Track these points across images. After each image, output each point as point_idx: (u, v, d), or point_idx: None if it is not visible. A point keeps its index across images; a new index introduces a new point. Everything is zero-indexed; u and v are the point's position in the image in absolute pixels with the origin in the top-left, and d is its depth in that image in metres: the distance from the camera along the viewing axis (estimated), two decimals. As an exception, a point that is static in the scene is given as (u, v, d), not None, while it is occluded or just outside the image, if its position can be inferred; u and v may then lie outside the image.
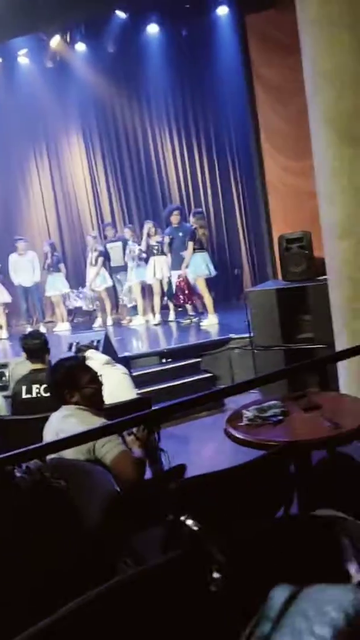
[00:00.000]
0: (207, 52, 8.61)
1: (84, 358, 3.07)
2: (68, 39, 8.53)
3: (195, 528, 1.10)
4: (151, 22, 8.23)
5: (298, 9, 3.97)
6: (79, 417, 2.55)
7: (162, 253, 8.25)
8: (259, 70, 5.94)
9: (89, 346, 4.52)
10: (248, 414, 2.50)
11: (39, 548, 1.76)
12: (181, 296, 7.86)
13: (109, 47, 8.47)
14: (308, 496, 2.21)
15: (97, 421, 2.52)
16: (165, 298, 8.39)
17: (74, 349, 6.37)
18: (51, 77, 9.39)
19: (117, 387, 3.86)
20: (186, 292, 7.78)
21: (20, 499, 1.83)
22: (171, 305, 8.39)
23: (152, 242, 8.33)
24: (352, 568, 1.03)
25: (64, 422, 2.57)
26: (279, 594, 0.72)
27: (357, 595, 0.66)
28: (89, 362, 4.16)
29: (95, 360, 4.18)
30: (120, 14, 7.78)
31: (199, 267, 7.62)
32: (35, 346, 4.05)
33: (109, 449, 2.41)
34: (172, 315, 8.39)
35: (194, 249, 7.58)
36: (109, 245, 9.06)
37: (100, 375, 2.87)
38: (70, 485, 1.92)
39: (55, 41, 8.48)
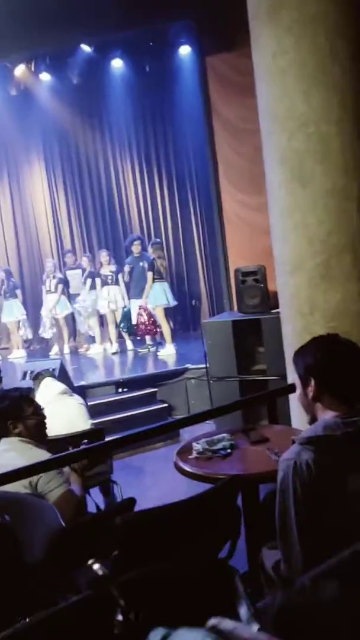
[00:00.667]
0: (169, 88, 8.85)
1: (29, 390, 3.04)
2: (33, 68, 8.62)
3: (100, 572, 1.15)
4: (116, 57, 8.42)
5: (253, 54, 4.14)
6: (20, 451, 2.51)
7: (116, 283, 8.29)
8: (217, 109, 6.13)
9: (46, 374, 4.44)
10: (197, 446, 2.52)
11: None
12: (143, 327, 7.86)
13: (73, 78, 8.61)
14: (255, 530, 2.23)
15: (40, 454, 2.49)
16: (121, 327, 8.38)
17: (28, 377, 6.29)
18: (15, 105, 9.44)
19: (72, 417, 3.82)
20: (148, 323, 7.79)
21: None
22: (125, 335, 8.39)
23: (105, 271, 8.37)
24: (241, 609, 1.10)
25: (3, 456, 2.51)
26: (154, 635, 0.85)
27: (208, 638, 0.78)
28: (44, 390, 4.12)
29: (52, 388, 4.14)
30: (85, 48, 7.93)
31: (158, 296, 7.68)
32: None
33: (52, 487, 2.39)
34: (129, 344, 8.38)
35: (154, 279, 7.65)
36: (68, 273, 9.05)
37: (48, 406, 2.85)
38: (14, 519, 1.89)
39: (20, 70, 8.55)
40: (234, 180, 6.10)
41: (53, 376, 4.44)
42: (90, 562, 1.15)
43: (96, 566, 1.15)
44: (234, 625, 0.82)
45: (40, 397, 3.97)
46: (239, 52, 5.54)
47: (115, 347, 8.37)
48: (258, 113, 4.37)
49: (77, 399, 4.15)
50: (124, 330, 8.34)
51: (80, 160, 9.99)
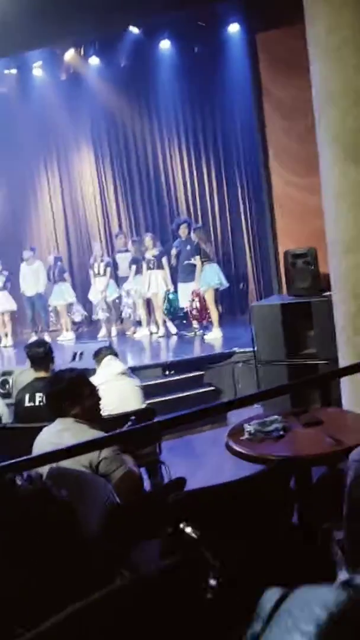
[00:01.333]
0: (218, 68, 8.71)
1: (86, 370, 3.08)
2: (82, 53, 8.67)
3: (194, 535, 1.11)
4: (164, 38, 8.34)
5: (308, 30, 4.04)
6: (74, 431, 2.54)
7: (158, 267, 8.27)
8: (268, 88, 6.01)
9: (108, 351, 4.44)
10: (249, 428, 2.51)
11: (38, 558, 1.77)
12: (195, 313, 7.85)
13: (121, 61, 8.60)
14: (308, 512, 2.22)
15: (94, 434, 2.52)
16: (164, 312, 8.38)
17: (77, 358, 6.43)
18: (64, 90, 9.52)
19: (127, 397, 3.88)
20: (200, 309, 7.78)
21: (21, 508, 1.84)
22: (167, 319, 8.39)
23: (149, 255, 8.37)
24: (341, 575, 1.05)
25: (58, 436, 2.55)
26: (270, 596, 0.75)
27: (340, 594, 0.68)
28: (104, 368, 4.19)
29: (112, 367, 4.20)
30: (134, 30, 7.89)
31: (210, 278, 7.66)
32: (39, 355, 4.08)
33: (114, 467, 2.43)
34: (172, 328, 8.38)
35: (202, 262, 7.62)
36: (117, 256, 9.11)
37: (106, 383, 2.90)
38: (71, 495, 1.94)
39: (70, 54, 8.62)
40: (285, 161, 5.98)
41: (115, 354, 4.44)
42: (181, 525, 1.15)
43: (188, 529, 1.14)
44: None
45: (99, 374, 4.05)
46: (291, 29, 5.38)
47: (162, 330, 8.41)
48: (311, 91, 4.27)
49: (135, 381, 4.20)
50: (167, 315, 8.34)
51: (128, 144, 10.00)
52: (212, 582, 1.03)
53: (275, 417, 2.58)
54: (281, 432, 2.46)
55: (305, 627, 0.66)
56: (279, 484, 1.92)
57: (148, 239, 8.47)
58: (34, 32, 6.54)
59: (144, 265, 8.44)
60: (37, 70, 9.21)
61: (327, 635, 0.65)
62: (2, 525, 1.72)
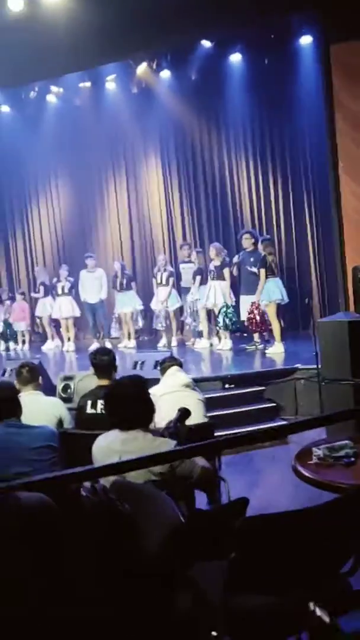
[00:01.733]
0: (288, 80, 8.64)
1: (146, 381, 3.07)
2: (154, 66, 8.83)
3: (327, 619, 1.02)
4: (235, 52, 8.37)
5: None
6: (142, 440, 2.57)
7: (219, 278, 8.17)
8: (341, 100, 5.89)
9: (174, 362, 4.42)
10: (318, 452, 2.42)
11: (98, 571, 1.75)
12: (254, 324, 7.75)
13: (192, 74, 8.70)
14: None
15: (161, 443, 2.54)
16: (219, 325, 8.27)
17: (139, 367, 6.45)
18: (135, 102, 9.73)
19: (191, 410, 3.83)
20: (259, 321, 7.68)
21: (84, 520, 1.83)
22: (225, 332, 8.27)
23: (211, 266, 8.34)
24: None
25: (123, 444, 2.58)
26: None
27: None
28: (169, 378, 4.17)
29: (177, 378, 4.17)
30: (206, 43, 7.96)
31: (272, 292, 7.54)
32: (104, 362, 4.09)
33: (191, 467, 2.58)
34: (227, 343, 8.23)
35: (267, 275, 7.52)
36: (182, 266, 9.12)
37: (171, 395, 2.90)
38: (134, 509, 1.92)
39: (142, 68, 8.81)
40: (355, 175, 5.84)
41: (180, 365, 4.42)
42: (311, 605, 1.06)
43: (319, 611, 1.05)
44: None
45: (163, 384, 4.04)
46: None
47: (224, 343, 8.31)
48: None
49: (198, 394, 4.16)
50: (223, 327, 8.20)
51: (195, 156, 10.06)
52: None
53: (346, 442, 2.47)
54: (352, 459, 2.35)
55: None
56: (350, 515, 1.82)
57: (212, 250, 8.44)
58: (109, 46, 6.72)
59: (208, 276, 8.42)
60: (110, 84, 9.46)
61: None
62: (66, 537, 1.72)
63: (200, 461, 2.67)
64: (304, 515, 1.74)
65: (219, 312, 8.15)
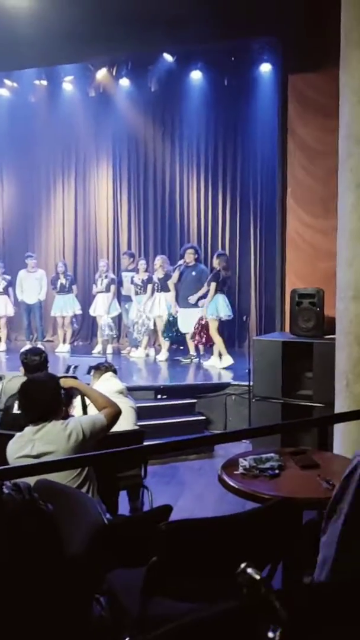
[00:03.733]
0: (246, 103, 8.87)
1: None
2: (114, 73, 8.81)
3: (257, 577, 1.03)
4: (196, 69, 8.49)
5: (341, 76, 4.10)
6: (52, 426, 2.74)
7: (164, 290, 8.26)
8: (294, 128, 6.08)
9: (110, 368, 4.40)
10: (244, 463, 2.45)
11: (17, 571, 1.69)
12: (202, 336, 7.78)
13: (151, 85, 8.74)
14: (295, 557, 2.15)
15: (69, 424, 2.80)
16: (163, 335, 8.33)
17: (72, 371, 6.35)
18: (91, 106, 9.69)
19: (122, 417, 3.81)
20: (205, 332, 7.73)
21: (5, 518, 1.77)
22: (166, 343, 8.34)
23: (154, 278, 8.40)
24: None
25: (37, 432, 2.72)
26: None
27: None
28: (103, 383, 4.13)
29: (112, 384, 4.14)
30: (168, 57, 8.03)
31: (221, 308, 7.60)
32: (34, 362, 4.01)
33: (96, 419, 2.90)
34: (163, 355, 8.29)
35: (216, 290, 7.55)
36: (124, 274, 9.08)
37: None
38: (57, 510, 1.87)
39: (102, 73, 8.79)
40: (302, 201, 6.02)
41: (114, 372, 4.40)
42: (242, 565, 1.06)
43: (250, 570, 1.05)
44: None
45: (96, 388, 3.98)
46: (323, 73, 5.49)
47: (162, 354, 8.33)
48: (336, 135, 4.32)
49: (131, 402, 4.14)
50: (168, 339, 8.29)
51: (147, 166, 10.10)
52: (271, 635, 0.94)
53: (272, 454, 2.52)
54: (276, 471, 2.40)
55: None
56: (273, 524, 1.85)
57: (157, 261, 8.48)
58: (70, 46, 6.66)
59: (149, 288, 8.45)
60: (67, 84, 9.36)
61: None
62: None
63: (90, 416, 3.02)
64: (227, 522, 1.76)
65: (165, 324, 8.18)
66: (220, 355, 7.64)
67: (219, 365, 7.54)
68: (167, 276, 8.29)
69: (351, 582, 1.33)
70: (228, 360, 7.55)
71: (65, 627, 1.74)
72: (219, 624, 1.11)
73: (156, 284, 8.37)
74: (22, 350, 4.41)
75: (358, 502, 1.55)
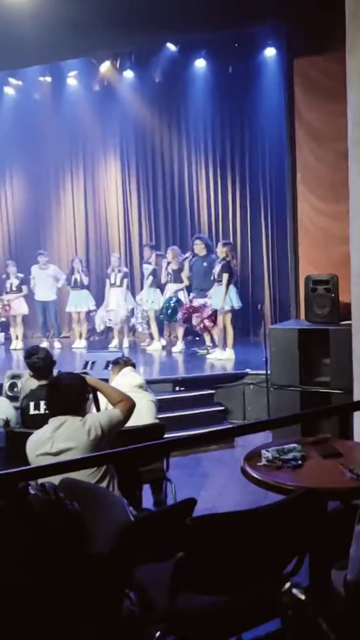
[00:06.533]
0: (251, 89, 8.77)
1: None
2: (118, 65, 8.77)
3: (303, 597, 1.02)
4: (199, 57, 8.42)
5: (348, 59, 4.04)
6: (70, 423, 2.78)
7: (177, 281, 8.26)
8: (301, 113, 6.02)
9: (128, 362, 4.41)
10: (267, 454, 2.45)
11: (46, 570, 1.72)
12: (185, 312, 7.78)
13: (156, 76, 8.69)
14: (322, 547, 2.15)
15: (87, 420, 2.85)
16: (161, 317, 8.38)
17: (89, 367, 6.39)
18: (96, 100, 9.65)
19: (142, 411, 3.84)
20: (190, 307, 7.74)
21: (32, 518, 1.79)
22: (179, 334, 8.37)
23: (169, 269, 8.41)
24: None
25: (56, 430, 2.77)
26: None
27: None
28: (122, 378, 4.15)
29: (131, 378, 4.16)
30: (171, 47, 7.98)
31: (234, 298, 7.57)
32: (40, 363, 4.04)
33: (113, 414, 2.94)
34: (179, 346, 8.32)
35: (228, 281, 7.48)
36: (145, 266, 9.05)
37: None
38: (83, 508, 1.89)
39: (105, 66, 8.74)
40: (312, 187, 5.97)
41: (133, 366, 4.41)
42: (287, 585, 1.06)
43: (295, 590, 1.05)
44: None
45: (114, 384, 4.01)
46: (329, 56, 5.41)
47: (179, 345, 8.35)
48: (344, 118, 4.26)
49: (150, 396, 4.15)
50: (164, 318, 8.32)
51: (155, 158, 10.06)
52: None
53: (294, 445, 2.52)
54: (299, 462, 2.40)
55: None
56: (299, 515, 1.86)
57: (170, 253, 8.47)
58: (73, 42, 6.63)
59: (164, 279, 8.47)
60: (72, 80, 9.34)
61: None
62: (13, 536, 1.68)
63: (106, 411, 3.07)
64: (253, 515, 1.76)
65: (166, 305, 8.20)
66: (225, 346, 7.60)
67: (219, 357, 7.52)
68: (181, 268, 8.30)
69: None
70: (229, 354, 7.52)
71: (96, 623, 1.77)
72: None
73: (170, 275, 8.37)
74: (25, 353, 4.39)
75: None
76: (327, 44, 5.45)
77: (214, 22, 6.35)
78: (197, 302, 7.93)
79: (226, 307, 7.54)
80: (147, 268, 8.80)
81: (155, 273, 8.61)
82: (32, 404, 3.93)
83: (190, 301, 7.93)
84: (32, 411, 3.93)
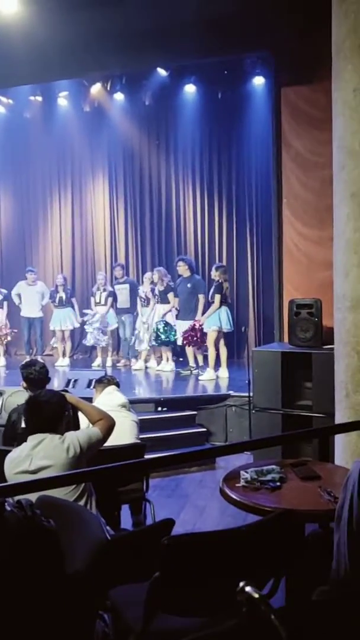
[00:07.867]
0: (240, 115, 8.95)
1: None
2: (108, 87, 8.89)
3: (256, 595, 1.03)
4: (189, 82, 8.58)
5: (334, 90, 4.15)
6: (49, 441, 2.76)
7: (164, 302, 8.31)
8: (288, 140, 6.13)
9: (112, 381, 4.40)
10: (246, 475, 2.45)
11: (19, 588, 1.69)
12: (189, 338, 7.79)
13: (146, 99, 8.83)
14: (298, 569, 2.14)
15: (66, 438, 2.83)
16: (156, 342, 8.36)
17: (72, 385, 6.35)
18: (86, 121, 9.77)
19: (124, 431, 3.82)
20: (198, 336, 7.75)
21: (7, 535, 1.77)
22: (166, 355, 8.37)
23: (155, 290, 8.47)
24: None
25: (34, 447, 2.73)
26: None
27: None
28: (106, 397, 4.13)
29: (115, 398, 4.14)
30: (161, 72, 8.12)
31: (224, 320, 7.62)
32: (38, 375, 4.01)
33: (92, 432, 2.93)
34: (169, 365, 8.32)
35: (221, 302, 7.57)
36: (116, 287, 9.12)
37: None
38: (59, 526, 1.87)
39: (96, 88, 8.87)
40: (298, 212, 6.06)
41: (117, 385, 4.40)
42: (242, 584, 1.06)
43: (249, 588, 1.05)
44: None
45: (98, 402, 3.99)
46: (316, 86, 5.56)
47: (164, 364, 8.35)
48: (330, 147, 4.36)
49: (133, 416, 4.13)
50: (157, 343, 8.28)
51: (143, 180, 10.16)
52: None
53: (273, 467, 2.52)
54: (278, 483, 2.40)
55: None
56: (275, 537, 1.85)
57: (156, 274, 8.51)
58: (64, 63, 6.72)
59: (152, 300, 8.49)
60: (62, 100, 9.44)
61: None
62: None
63: (85, 429, 3.04)
64: (229, 535, 1.76)
65: (155, 329, 8.20)
66: (217, 366, 7.63)
67: (214, 376, 7.54)
68: (167, 289, 8.33)
69: (352, 596, 1.33)
70: (225, 372, 7.55)
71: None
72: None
73: (157, 296, 8.40)
74: (22, 363, 4.40)
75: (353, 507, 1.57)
76: (313, 74, 5.60)
77: (204, 50, 6.50)
78: (187, 325, 7.94)
79: (213, 327, 7.57)
80: (124, 288, 8.84)
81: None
82: (23, 418, 3.88)
83: (193, 326, 7.88)
84: (23, 425, 3.88)
